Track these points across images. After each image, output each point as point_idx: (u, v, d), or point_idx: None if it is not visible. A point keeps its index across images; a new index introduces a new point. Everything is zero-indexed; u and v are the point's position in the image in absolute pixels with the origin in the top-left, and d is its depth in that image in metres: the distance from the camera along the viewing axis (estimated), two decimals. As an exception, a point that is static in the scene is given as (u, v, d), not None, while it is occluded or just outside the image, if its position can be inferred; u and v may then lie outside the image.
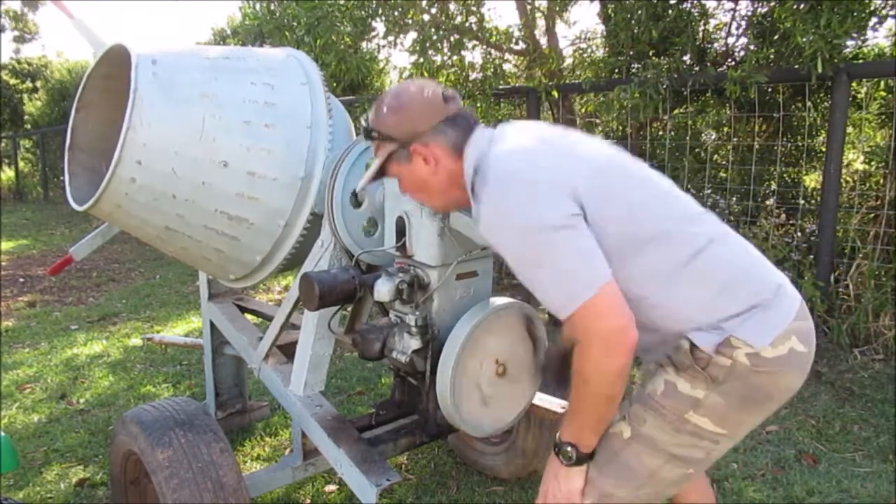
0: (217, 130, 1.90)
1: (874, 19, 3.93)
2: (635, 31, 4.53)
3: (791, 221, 4.34)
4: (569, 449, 1.42)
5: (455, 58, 5.22)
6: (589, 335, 1.29)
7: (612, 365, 1.28)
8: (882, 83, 4.22)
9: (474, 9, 5.19)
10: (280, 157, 1.99)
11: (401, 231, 1.85)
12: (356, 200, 1.97)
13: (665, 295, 1.38)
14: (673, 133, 4.93)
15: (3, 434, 1.75)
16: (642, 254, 1.36)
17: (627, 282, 1.34)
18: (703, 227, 1.42)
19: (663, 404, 1.40)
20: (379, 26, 5.26)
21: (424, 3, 5.14)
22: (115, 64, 2.05)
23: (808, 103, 4.23)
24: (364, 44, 5.40)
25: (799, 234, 4.22)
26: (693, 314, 1.38)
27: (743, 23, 4.57)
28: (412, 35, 5.09)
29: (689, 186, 4.61)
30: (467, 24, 5.23)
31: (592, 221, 1.33)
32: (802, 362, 1.39)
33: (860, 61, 4.19)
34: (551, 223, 1.29)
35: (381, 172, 1.58)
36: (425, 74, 5.17)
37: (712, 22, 4.75)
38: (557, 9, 5.36)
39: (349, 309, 2.26)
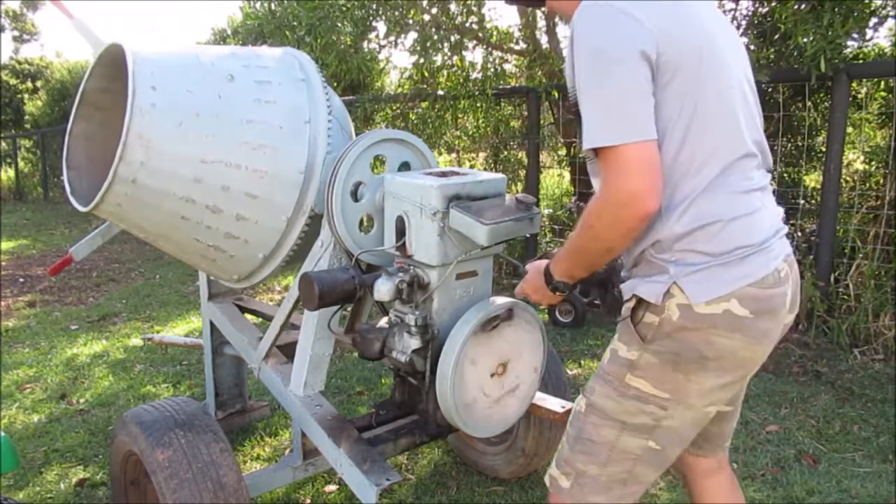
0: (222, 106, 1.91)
1: (874, 19, 3.93)
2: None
3: (791, 221, 4.33)
4: (561, 284, 1.48)
5: (455, 58, 5.22)
6: (608, 185, 1.24)
7: (616, 228, 1.26)
8: (882, 83, 4.22)
9: (475, 9, 5.19)
10: (280, 154, 1.99)
11: (400, 231, 1.85)
12: (355, 196, 1.97)
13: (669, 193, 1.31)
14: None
15: (3, 434, 1.75)
16: (680, 144, 1.30)
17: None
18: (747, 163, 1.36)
19: (608, 371, 1.44)
20: (379, 26, 5.27)
21: (425, 3, 5.14)
22: (114, 64, 2.04)
23: (809, 103, 4.22)
24: (365, 44, 5.40)
25: (799, 234, 4.21)
26: (677, 230, 1.31)
27: (743, 22, 4.57)
28: (413, 35, 5.09)
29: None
30: (468, 25, 5.24)
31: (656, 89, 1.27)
32: (745, 328, 1.31)
33: (860, 61, 4.19)
34: (618, 55, 1.23)
35: None
36: (425, 75, 5.18)
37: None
38: (558, 9, 5.35)
39: (349, 309, 2.26)
